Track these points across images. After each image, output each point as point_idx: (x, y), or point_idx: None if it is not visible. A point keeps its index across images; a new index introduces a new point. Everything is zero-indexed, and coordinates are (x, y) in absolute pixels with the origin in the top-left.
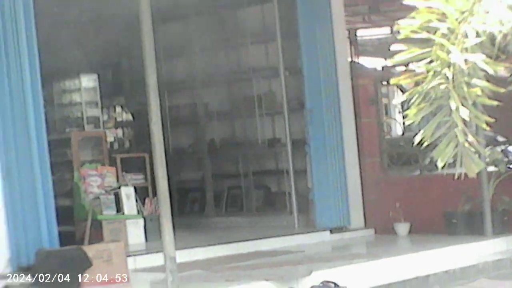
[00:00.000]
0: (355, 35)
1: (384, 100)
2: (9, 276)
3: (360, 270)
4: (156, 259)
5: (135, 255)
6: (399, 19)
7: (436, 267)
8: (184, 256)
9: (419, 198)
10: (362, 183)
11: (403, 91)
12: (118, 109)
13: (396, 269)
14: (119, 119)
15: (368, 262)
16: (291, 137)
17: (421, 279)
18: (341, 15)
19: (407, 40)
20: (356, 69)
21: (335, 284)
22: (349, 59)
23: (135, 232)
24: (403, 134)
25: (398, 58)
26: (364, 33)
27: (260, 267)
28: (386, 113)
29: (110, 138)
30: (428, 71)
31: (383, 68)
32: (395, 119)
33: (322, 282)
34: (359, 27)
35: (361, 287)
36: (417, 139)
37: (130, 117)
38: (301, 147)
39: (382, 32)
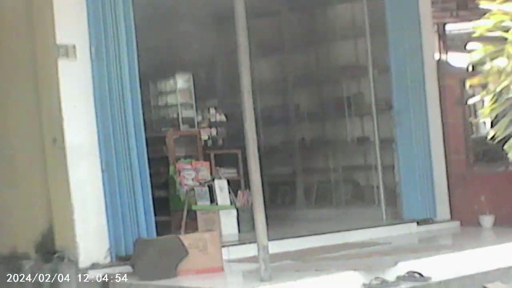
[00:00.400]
0: (444, 29)
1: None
2: (108, 264)
3: (445, 261)
4: (249, 250)
5: (228, 245)
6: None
7: None
8: (274, 247)
9: (504, 192)
10: (448, 179)
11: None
12: (212, 110)
13: (479, 260)
14: (212, 120)
15: (452, 253)
16: (379, 136)
17: (503, 271)
18: (428, 12)
19: (481, 39)
20: (442, 68)
21: (420, 274)
22: (437, 57)
23: (228, 222)
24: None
25: (473, 56)
26: (453, 27)
27: (348, 258)
28: (474, 112)
29: (204, 137)
30: (500, 72)
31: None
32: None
33: (407, 273)
34: (447, 22)
35: (445, 278)
36: (490, 135)
37: (223, 117)
38: (389, 145)
39: (472, 25)
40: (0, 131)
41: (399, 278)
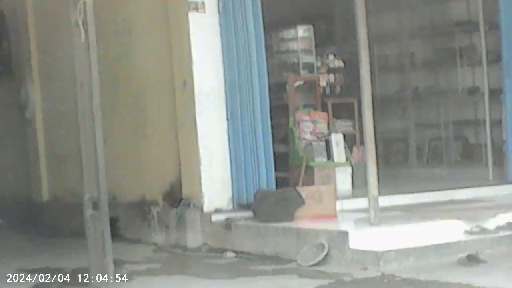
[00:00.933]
0: None
1: None
2: (230, 210)
3: None
4: (361, 203)
5: (342, 199)
6: None
7: None
8: (385, 201)
9: None
10: None
11: None
12: (331, 56)
13: None
14: (331, 66)
15: None
16: (489, 87)
17: None
18: None
19: None
20: None
21: None
22: None
23: (343, 178)
24: None
25: None
26: None
27: (452, 211)
28: None
29: (322, 83)
30: None
31: None
32: None
33: (506, 223)
34: None
35: None
36: None
37: (341, 63)
38: (498, 96)
39: None
40: (135, 79)
41: (498, 228)
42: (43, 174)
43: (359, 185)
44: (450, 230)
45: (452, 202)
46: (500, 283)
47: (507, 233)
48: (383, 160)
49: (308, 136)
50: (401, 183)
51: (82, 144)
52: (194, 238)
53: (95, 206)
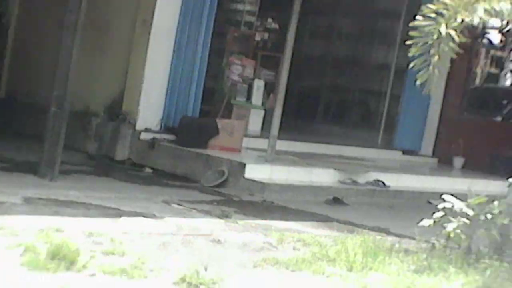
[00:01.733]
0: None
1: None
2: (157, 131)
3: (406, 178)
4: (265, 144)
5: (250, 137)
6: None
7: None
8: (284, 146)
9: (480, 140)
10: (440, 119)
11: None
12: (270, 20)
13: (431, 184)
14: (268, 26)
15: (414, 175)
16: (396, 66)
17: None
18: None
19: None
20: None
21: (383, 183)
22: None
23: (255, 119)
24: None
25: None
26: None
27: (335, 163)
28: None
29: (257, 38)
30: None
31: None
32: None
33: (374, 180)
34: None
35: (401, 189)
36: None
37: (277, 26)
38: (402, 75)
39: None
40: (103, 8)
41: (367, 183)
42: (4, 73)
43: (268, 129)
44: (326, 177)
45: (339, 156)
46: (351, 218)
47: (372, 187)
48: (293, 111)
49: (236, 78)
50: (304, 133)
51: (61, 52)
52: (121, 152)
53: (58, 104)
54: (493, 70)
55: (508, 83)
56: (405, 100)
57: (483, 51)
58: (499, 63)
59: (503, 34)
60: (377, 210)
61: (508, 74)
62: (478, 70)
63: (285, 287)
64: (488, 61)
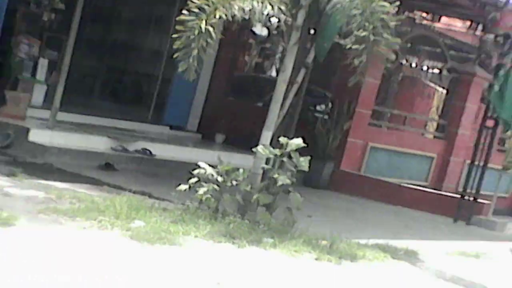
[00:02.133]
0: None
1: None
2: None
3: (160, 148)
4: (48, 114)
5: (34, 108)
6: None
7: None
8: (66, 117)
9: (241, 121)
10: (206, 101)
11: None
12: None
13: (189, 154)
14: (55, 6)
15: (178, 146)
16: (168, 52)
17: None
18: None
19: None
20: None
21: (150, 151)
22: None
23: (39, 93)
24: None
25: None
26: None
27: (109, 133)
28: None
29: (45, 18)
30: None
31: None
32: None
33: (142, 148)
34: None
35: (167, 158)
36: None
37: (63, 6)
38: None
39: None
40: None
41: (136, 151)
42: None
43: (51, 102)
44: (101, 144)
45: (114, 128)
46: (119, 182)
47: (140, 155)
48: (75, 88)
49: (23, 55)
50: (83, 108)
51: None
52: None
53: None
54: (262, 60)
55: (273, 73)
56: (175, 83)
57: (253, 42)
58: (268, 54)
59: (268, 28)
60: (144, 177)
61: (273, 65)
62: (248, 60)
63: (63, 230)
64: (257, 52)
